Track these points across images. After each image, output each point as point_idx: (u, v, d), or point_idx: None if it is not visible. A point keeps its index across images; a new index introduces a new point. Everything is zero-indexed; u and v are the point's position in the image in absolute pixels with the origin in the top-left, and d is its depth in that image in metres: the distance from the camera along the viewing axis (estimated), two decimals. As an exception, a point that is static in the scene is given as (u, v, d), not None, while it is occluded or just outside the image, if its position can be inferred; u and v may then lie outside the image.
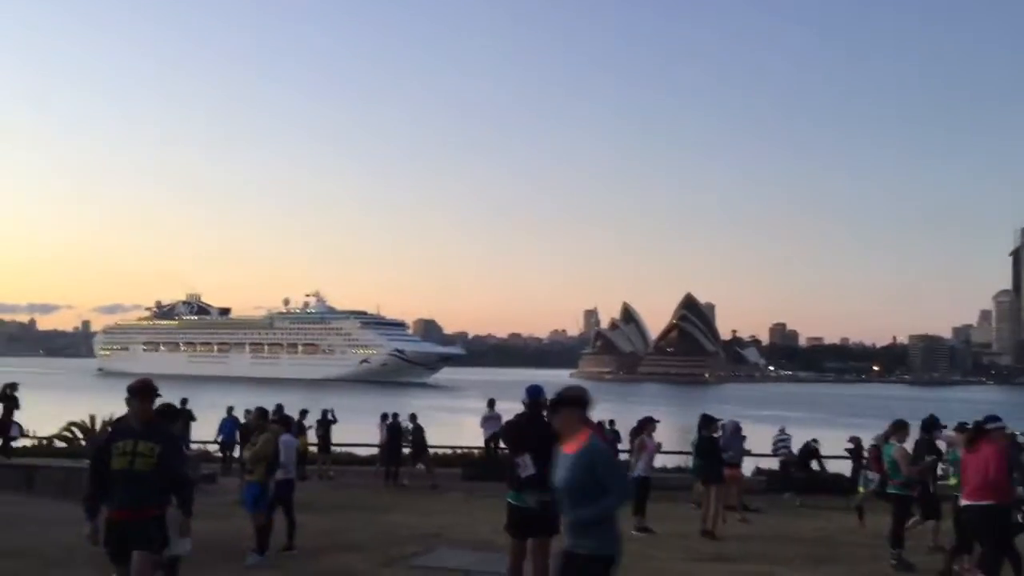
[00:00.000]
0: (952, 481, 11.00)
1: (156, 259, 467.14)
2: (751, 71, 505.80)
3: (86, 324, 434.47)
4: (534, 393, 7.44)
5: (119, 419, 6.73)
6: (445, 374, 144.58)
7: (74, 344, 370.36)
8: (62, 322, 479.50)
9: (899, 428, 11.31)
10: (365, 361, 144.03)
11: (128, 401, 6.28)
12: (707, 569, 10.27)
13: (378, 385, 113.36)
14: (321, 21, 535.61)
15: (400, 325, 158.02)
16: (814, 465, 19.89)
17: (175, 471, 6.28)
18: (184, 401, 20.37)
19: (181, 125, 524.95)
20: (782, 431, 21.26)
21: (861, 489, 15.27)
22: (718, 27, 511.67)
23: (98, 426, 22.32)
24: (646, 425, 14.02)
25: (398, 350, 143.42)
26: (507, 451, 7.39)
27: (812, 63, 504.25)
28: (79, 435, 23.16)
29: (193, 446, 21.15)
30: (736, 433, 16.37)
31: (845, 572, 10.46)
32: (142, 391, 6.28)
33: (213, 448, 22.36)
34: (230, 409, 22.50)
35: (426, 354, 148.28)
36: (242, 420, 20.00)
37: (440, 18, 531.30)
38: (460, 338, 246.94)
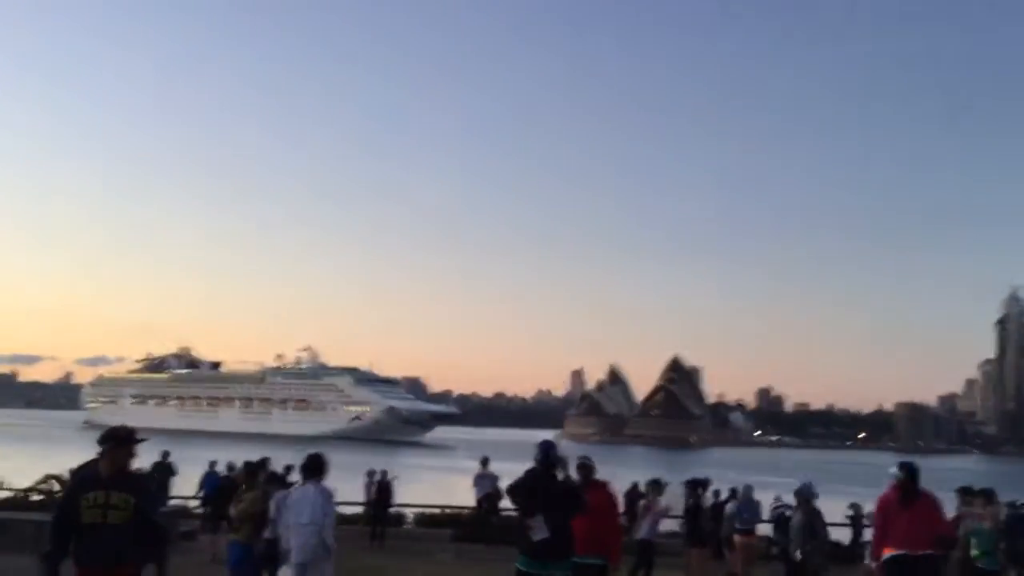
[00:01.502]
0: (975, 553, 10.53)
1: (142, 311, 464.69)
2: (741, 128, 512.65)
3: (68, 376, 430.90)
4: (546, 449, 7.02)
5: (83, 466, 6.04)
6: (437, 433, 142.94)
7: (54, 396, 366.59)
8: (44, 374, 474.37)
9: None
10: (357, 418, 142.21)
11: (102, 449, 5.71)
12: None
13: (370, 443, 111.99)
14: (318, 68, 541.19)
15: (393, 383, 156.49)
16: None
17: (152, 524, 5.71)
18: (165, 455, 19.84)
19: (171, 177, 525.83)
20: (778, 499, 20.64)
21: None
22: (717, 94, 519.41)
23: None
24: (653, 487, 13.57)
25: (391, 407, 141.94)
26: (517, 512, 6.91)
27: (801, 116, 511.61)
28: (57, 488, 22.48)
29: (172, 502, 20.45)
30: (750, 498, 15.84)
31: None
32: (118, 438, 5.72)
33: (194, 504, 21.64)
34: (212, 464, 21.80)
35: (419, 412, 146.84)
36: (223, 474, 19.31)
37: (423, 61, 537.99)
38: (445, 397, 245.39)
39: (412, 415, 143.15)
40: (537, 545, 6.63)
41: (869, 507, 15.91)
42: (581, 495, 7.09)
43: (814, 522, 10.89)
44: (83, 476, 5.99)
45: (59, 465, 22.28)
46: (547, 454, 6.98)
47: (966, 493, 11.88)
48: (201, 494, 21.25)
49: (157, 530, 5.80)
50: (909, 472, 8.31)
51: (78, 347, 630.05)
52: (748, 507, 15.62)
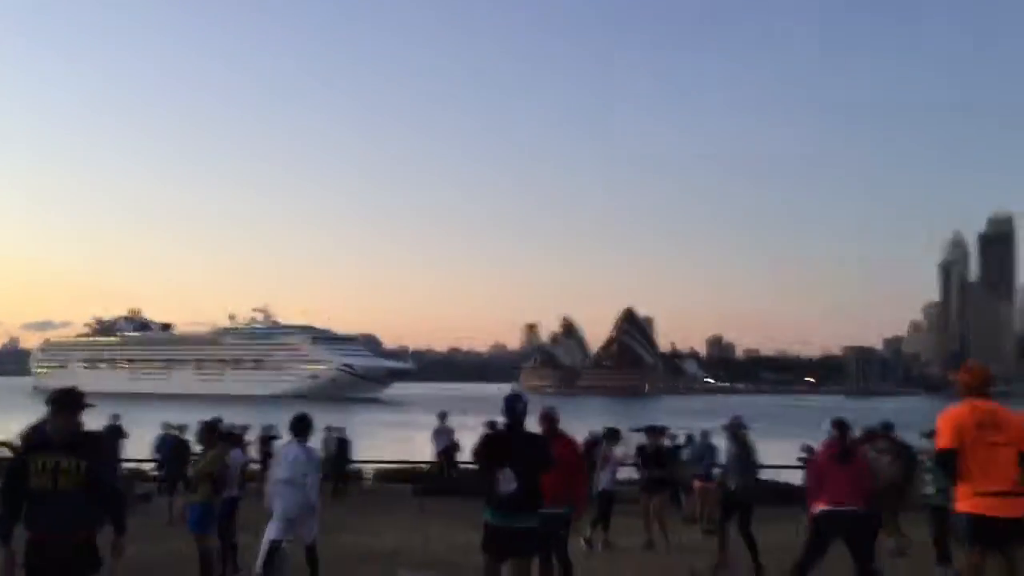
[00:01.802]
0: (929, 490, 10.69)
1: (88, 274, 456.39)
2: (689, 81, 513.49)
3: (14, 341, 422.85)
4: (512, 403, 6.93)
5: (31, 429, 5.73)
6: (394, 390, 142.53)
7: (0, 362, 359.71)
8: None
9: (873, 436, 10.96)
10: (314, 376, 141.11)
11: (49, 411, 5.47)
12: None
13: (327, 401, 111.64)
14: (262, 36, 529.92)
15: (350, 340, 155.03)
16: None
17: (106, 487, 5.47)
18: (115, 417, 19.50)
19: (116, 138, 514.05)
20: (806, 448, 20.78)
21: None
22: (663, 35, 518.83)
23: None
24: (610, 437, 13.58)
25: (347, 365, 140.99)
26: (483, 465, 6.82)
27: (751, 73, 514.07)
28: (8, 455, 22.02)
29: (127, 465, 20.15)
30: (708, 444, 15.92)
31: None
32: (64, 401, 5.46)
33: (149, 467, 21.36)
34: (166, 426, 21.46)
35: (376, 369, 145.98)
36: (163, 436, 19.02)
37: (402, 29, 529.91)
38: (400, 353, 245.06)
39: (369, 372, 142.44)
40: (504, 497, 6.56)
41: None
42: (548, 449, 7.02)
43: (746, 454, 11.05)
44: (32, 440, 5.67)
45: (7, 431, 21.81)
46: (513, 408, 6.88)
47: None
48: (158, 456, 20.99)
49: (112, 494, 5.57)
50: (842, 429, 8.54)
51: (23, 312, 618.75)
52: (708, 452, 15.75)
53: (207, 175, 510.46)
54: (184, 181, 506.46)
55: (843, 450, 8.38)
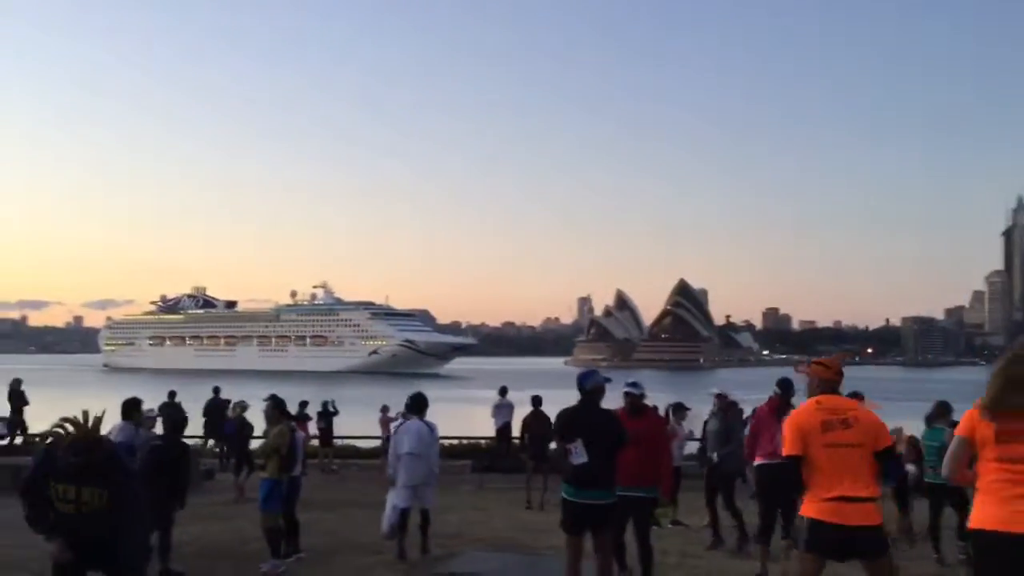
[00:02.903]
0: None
1: (147, 253, 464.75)
2: (746, 67, 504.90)
3: (78, 319, 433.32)
4: (582, 379, 6.78)
5: (48, 449, 5.15)
6: (453, 364, 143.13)
7: (65, 340, 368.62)
8: (53, 318, 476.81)
9: (946, 411, 10.46)
10: (375, 352, 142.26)
11: (57, 432, 5.10)
12: (749, 568, 9.39)
13: (389, 376, 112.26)
14: (330, 19, 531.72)
15: (410, 316, 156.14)
16: None
17: (130, 509, 5.11)
18: (172, 394, 19.55)
19: (179, 118, 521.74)
20: None
21: None
22: (715, 23, 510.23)
23: (91, 422, 21.56)
24: (677, 411, 13.28)
25: (409, 340, 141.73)
26: (556, 441, 6.79)
27: (804, 59, 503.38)
28: (71, 431, 22.32)
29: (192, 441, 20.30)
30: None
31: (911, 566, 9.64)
32: (79, 441, 5.03)
33: (211, 443, 21.57)
34: (225, 402, 21.54)
35: (437, 344, 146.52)
36: (229, 414, 19.04)
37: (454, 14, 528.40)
38: (454, 328, 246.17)
39: (430, 347, 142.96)
40: (577, 470, 6.47)
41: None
42: (619, 424, 6.86)
43: (732, 427, 10.96)
44: (49, 464, 5.19)
45: (76, 408, 22.14)
46: (583, 384, 6.79)
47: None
48: (211, 427, 21.10)
49: (137, 515, 5.17)
50: (784, 388, 9.15)
51: (84, 291, 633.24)
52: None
53: (265, 152, 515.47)
54: (241, 158, 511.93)
55: (782, 406, 8.74)
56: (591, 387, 6.74)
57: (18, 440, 20.47)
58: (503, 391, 20.10)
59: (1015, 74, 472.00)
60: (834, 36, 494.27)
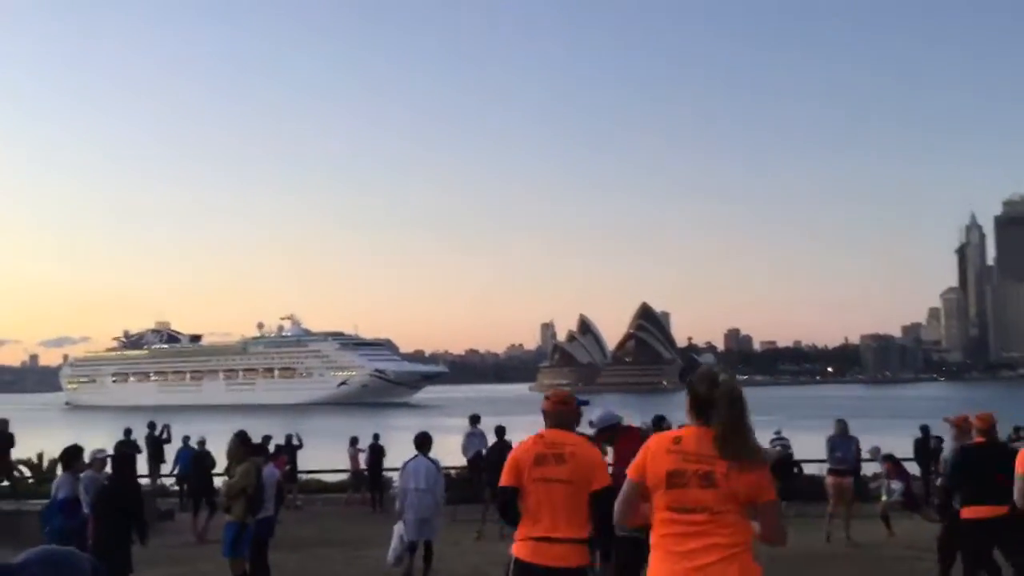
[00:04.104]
0: None
1: (104, 289, 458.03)
2: (702, 84, 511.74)
3: (34, 358, 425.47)
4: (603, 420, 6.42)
5: None
6: (425, 393, 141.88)
7: (22, 379, 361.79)
8: (8, 357, 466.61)
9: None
10: (344, 383, 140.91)
11: None
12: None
13: (359, 407, 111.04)
14: (293, 46, 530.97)
15: (378, 345, 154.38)
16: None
17: None
18: (128, 432, 18.98)
19: (137, 150, 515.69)
20: (778, 433, 19.87)
21: (884, 498, 14.16)
22: (673, 40, 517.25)
23: (46, 464, 20.90)
24: (658, 425, 12.93)
25: (379, 370, 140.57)
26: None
27: (760, 75, 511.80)
28: (26, 473, 21.52)
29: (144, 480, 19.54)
30: (844, 434, 14.08)
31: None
32: None
33: (169, 481, 20.81)
34: (186, 439, 20.91)
35: (408, 373, 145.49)
36: (195, 449, 18.44)
37: (404, 26, 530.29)
38: (418, 357, 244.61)
39: (399, 376, 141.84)
40: None
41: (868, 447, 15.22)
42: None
43: None
44: None
45: (33, 449, 21.40)
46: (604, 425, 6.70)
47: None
48: (175, 471, 20.43)
49: None
50: (658, 424, 9.70)
51: (40, 328, 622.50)
52: (840, 445, 14.04)
53: (224, 184, 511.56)
54: (200, 189, 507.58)
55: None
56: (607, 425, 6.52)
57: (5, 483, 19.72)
58: (474, 419, 19.65)
59: (968, 91, 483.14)
60: (788, 52, 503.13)
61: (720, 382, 3.72)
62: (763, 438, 20.16)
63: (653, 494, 3.65)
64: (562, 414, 5.16)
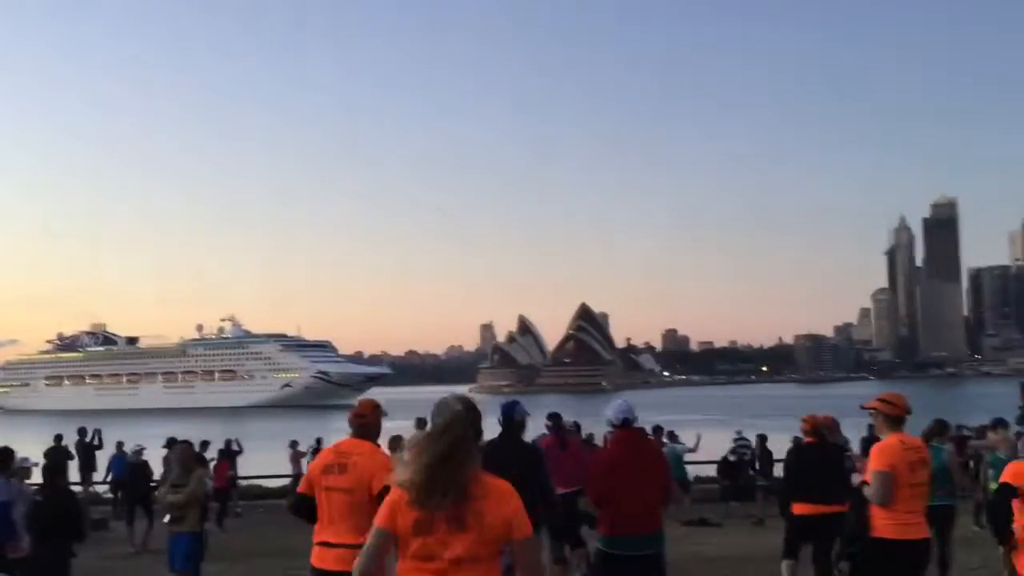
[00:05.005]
0: (993, 486, 10.02)
1: (34, 291, 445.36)
2: (628, 81, 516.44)
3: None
4: (509, 411, 6.31)
5: None
6: (369, 395, 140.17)
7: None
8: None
9: (944, 429, 10.07)
10: (288, 385, 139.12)
11: None
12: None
13: (302, 409, 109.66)
14: (227, 55, 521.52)
15: (321, 346, 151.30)
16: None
17: None
18: (59, 438, 18.47)
19: (71, 150, 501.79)
20: (740, 434, 20.07)
21: None
22: (594, 43, 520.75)
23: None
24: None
25: (322, 372, 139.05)
26: None
27: (694, 72, 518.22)
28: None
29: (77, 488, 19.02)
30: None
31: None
32: None
33: (103, 489, 20.30)
34: (120, 444, 20.41)
35: (352, 375, 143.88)
36: (129, 457, 17.94)
37: (350, 34, 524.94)
38: (357, 359, 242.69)
39: (343, 378, 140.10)
40: None
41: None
42: (541, 458, 6.60)
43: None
44: None
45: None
46: (510, 416, 6.42)
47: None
48: (109, 477, 19.94)
49: None
50: (556, 422, 9.54)
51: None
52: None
53: (154, 182, 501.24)
54: (137, 190, 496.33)
55: (561, 440, 9.32)
56: (521, 419, 6.44)
57: None
58: (420, 423, 19.46)
59: (900, 91, 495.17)
60: (728, 50, 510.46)
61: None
62: (724, 439, 20.27)
63: (401, 543, 3.37)
64: (360, 426, 5.35)
